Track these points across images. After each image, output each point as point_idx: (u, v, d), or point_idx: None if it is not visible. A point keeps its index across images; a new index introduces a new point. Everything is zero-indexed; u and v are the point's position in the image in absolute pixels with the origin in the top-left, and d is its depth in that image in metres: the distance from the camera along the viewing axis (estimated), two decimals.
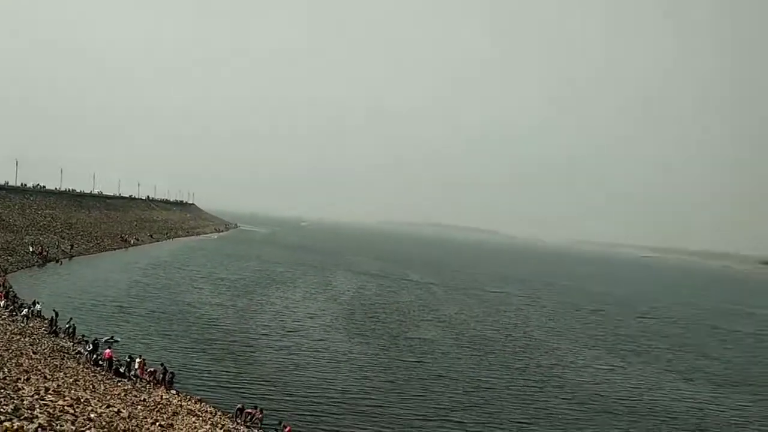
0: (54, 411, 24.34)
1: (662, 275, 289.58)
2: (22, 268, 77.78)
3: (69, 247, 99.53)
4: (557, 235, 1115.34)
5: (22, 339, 39.04)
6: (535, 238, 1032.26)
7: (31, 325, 44.81)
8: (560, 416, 40.14)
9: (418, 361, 50.96)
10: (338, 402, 38.20)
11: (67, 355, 38.11)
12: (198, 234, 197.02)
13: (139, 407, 30.14)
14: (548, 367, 54.16)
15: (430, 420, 36.60)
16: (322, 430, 33.47)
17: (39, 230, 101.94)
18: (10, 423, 20.69)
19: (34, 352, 35.70)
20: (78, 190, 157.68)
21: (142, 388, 34.73)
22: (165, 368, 37.73)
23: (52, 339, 41.94)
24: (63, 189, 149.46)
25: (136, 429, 26.43)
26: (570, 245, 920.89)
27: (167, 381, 36.74)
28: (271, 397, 37.98)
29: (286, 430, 31.09)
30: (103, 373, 36.08)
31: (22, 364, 31.20)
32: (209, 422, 30.81)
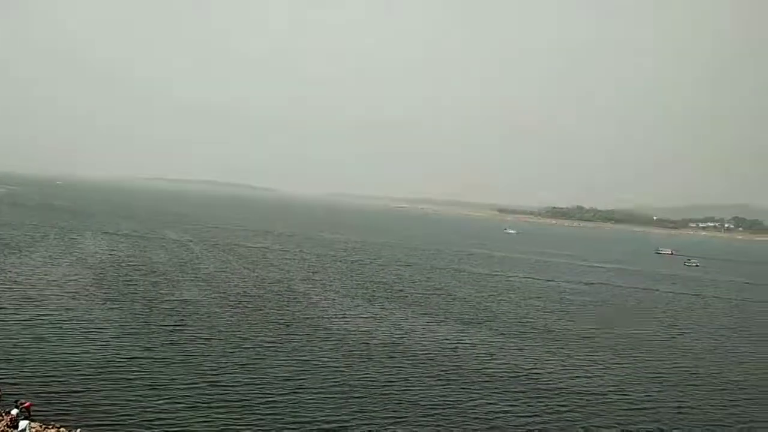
0: None
1: (414, 224, 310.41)
2: None
3: None
4: (315, 189, 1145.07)
5: None
6: (294, 192, 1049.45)
7: None
8: (327, 367, 40.50)
9: (179, 324, 48.20)
10: (88, 375, 34.56)
11: None
12: None
13: None
14: (314, 318, 54.67)
15: (195, 387, 34.63)
16: (70, 406, 30.03)
17: None
18: None
19: None
20: None
21: None
22: None
23: None
24: None
25: None
26: (327, 197, 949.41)
27: None
28: (7, 374, 33.30)
29: (25, 406, 27.46)
30: None
31: None
32: None
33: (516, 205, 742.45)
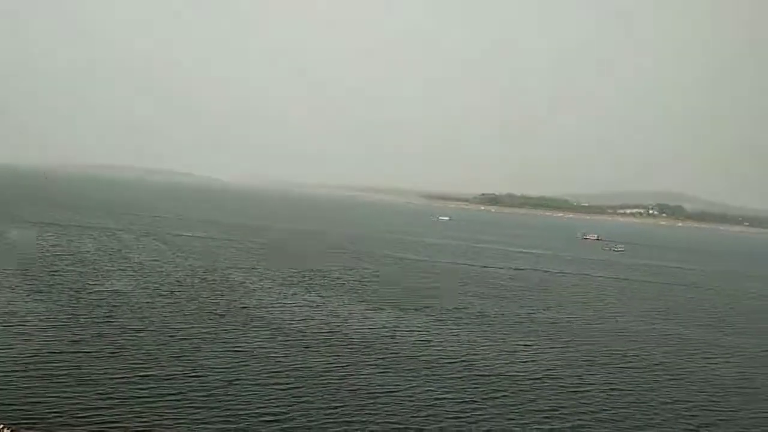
0: None
1: (352, 212, 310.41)
2: None
3: None
4: (237, 175, 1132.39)
5: None
6: (211, 177, 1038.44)
7: None
8: (264, 356, 40.03)
9: (109, 316, 46.65)
10: (11, 371, 33.07)
11: None
12: None
13: None
14: (251, 308, 53.94)
15: (127, 380, 33.57)
16: None
17: None
18: None
19: None
20: None
21: None
22: None
23: None
24: None
25: None
26: (251, 184, 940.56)
27: None
28: None
29: None
30: None
31: None
32: None
33: (451, 192, 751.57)
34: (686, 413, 36.91)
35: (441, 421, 32.10)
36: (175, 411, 30.06)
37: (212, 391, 33.11)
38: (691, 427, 34.66)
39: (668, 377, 44.31)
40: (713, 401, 39.81)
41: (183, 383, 33.87)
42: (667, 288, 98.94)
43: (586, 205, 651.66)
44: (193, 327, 45.75)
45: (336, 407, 32.70)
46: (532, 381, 40.42)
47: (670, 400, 39.00)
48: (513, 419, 33.41)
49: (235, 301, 56.40)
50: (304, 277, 74.47)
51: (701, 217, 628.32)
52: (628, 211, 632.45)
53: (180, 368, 36.27)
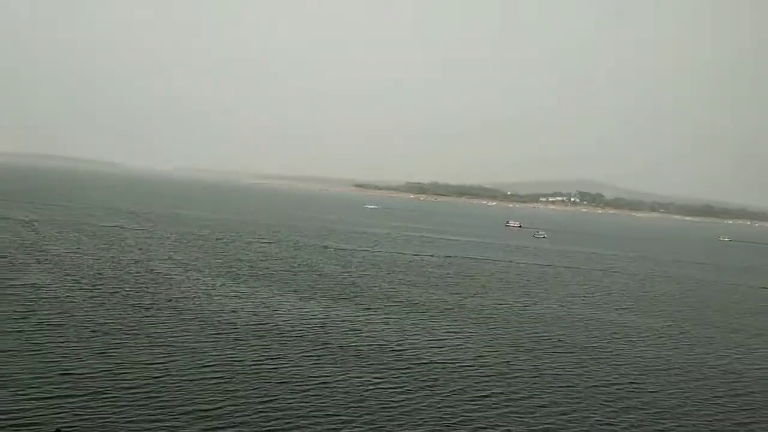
0: None
1: (277, 201, 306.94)
2: None
3: None
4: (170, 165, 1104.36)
5: None
6: (144, 167, 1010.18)
7: None
8: (193, 350, 39.12)
9: (25, 311, 44.48)
10: None
11: None
12: None
13: None
14: (177, 300, 52.55)
15: (45, 378, 32.16)
16: None
17: None
18: None
19: None
20: None
21: None
22: None
23: None
24: None
25: None
26: (185, 174, 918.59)
27: None
28: None
29: None
30: None
31: None
32: None
33: (378, 181, 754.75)
34: (611, 396, 38.33)
35: (373, 412, 32.21)
36: (99, 409, 29.00)
37: (138, 388, 32.11)
38: (616, 410, 35.99)
39: (592, 361, 45.92)
40: (635, 383, 41.48)
41: (107, 380, 32.69)
42: (585, 273, 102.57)
43: (510, 193, 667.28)
44: (116, 321, 44.22)
45: (267, 400, 32.34)
46: (462, 368, 41.08)
47: (594, 384, 40.42)
48: (443, 407, 33.88)
49: (161, 293, 54.85)
50: (232, 267, 73.23)
51: (619, 204, 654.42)
52: (551, 198, 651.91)
53: (103, 365, 34.98)
